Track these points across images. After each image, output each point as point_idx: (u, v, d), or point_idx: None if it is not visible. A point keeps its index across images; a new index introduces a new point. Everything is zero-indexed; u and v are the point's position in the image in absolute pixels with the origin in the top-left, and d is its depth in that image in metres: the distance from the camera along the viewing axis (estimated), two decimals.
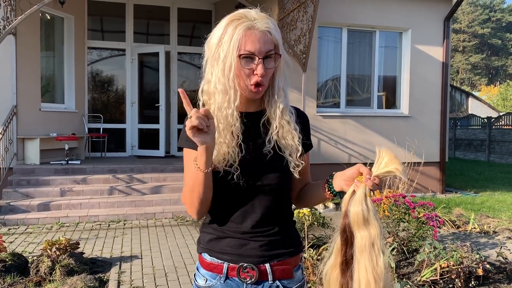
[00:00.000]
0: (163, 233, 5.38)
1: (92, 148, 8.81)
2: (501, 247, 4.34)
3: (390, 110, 8.67)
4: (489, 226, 5.63)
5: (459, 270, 3.50)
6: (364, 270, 1.13)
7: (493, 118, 17.48)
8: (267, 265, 1.27)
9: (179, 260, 4.36)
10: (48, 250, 3.87)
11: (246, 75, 1.21)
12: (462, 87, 39.25)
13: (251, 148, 1.28)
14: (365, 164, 1.15)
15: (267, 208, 1.28)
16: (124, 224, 5.83)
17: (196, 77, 9.72)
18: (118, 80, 9.40)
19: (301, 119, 1.36)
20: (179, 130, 9.14)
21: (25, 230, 5.50)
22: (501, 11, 53.38)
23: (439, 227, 5.12)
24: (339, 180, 1.24)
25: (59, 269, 3.67)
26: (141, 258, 4.40)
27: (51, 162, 7.32)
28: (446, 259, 3.55)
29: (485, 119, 17.32)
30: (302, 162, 1.30)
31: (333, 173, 1.29)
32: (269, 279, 1.27)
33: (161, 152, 8.90)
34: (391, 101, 8.77)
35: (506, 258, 4.08)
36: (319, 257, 3.85)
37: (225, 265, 1.27)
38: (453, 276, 3.50)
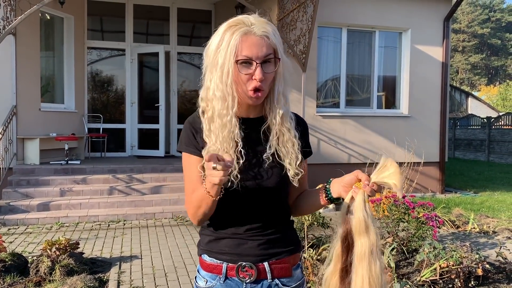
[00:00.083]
0: (163, 233, 5.38)
1: (92, 148, 8.81)
2: (501, 247, 4.35)
3: (390, 110, 8.67)
4: (489, 226, 5.63)
5: (459, 270, 3.50)
6: (361, 279, 1.14)
7: (493, 118, 17.48)
8: (266, 264, 1.28)
9: (179, 260, 4.36)
10: (48, 250, 3.88)
11: (244, 81, 1.21)
12: (461, 87, 39.26)
13: (251, 155, 1.28)
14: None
15: (265, 213, 1.29)
16: (124, 224, 5.83)
17: (196, 77, 9.72)
18: (118, 80, 9.40)
19: (301, 127, 1.36)
20: (179, 130, 9.16)
21: (25, 230, 5.50)
22: (501, 11, 53.39)
23: (439, 227, 5.12)
24: (337, 186, 1.25)
25: (59, 269, 3.67)
26: (141, 258, 4.40)
27: (50, 162, 7.32)
28: (446, 259, 3.55)
29: (485, 119, 17.33)
30: (302, 170, 1.31)
31: (330, 179, 1.29)
32: (268, 278, 1.28)
33: (160, 152, 8.91)
34: (390, 101, 8.77)
35: (505, 258, 4.08)
36: (318, 257, 3.86)
37: (224, 265, 1.28)
38: (452, 276, 3.51)
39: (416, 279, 3.60)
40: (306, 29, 6.64)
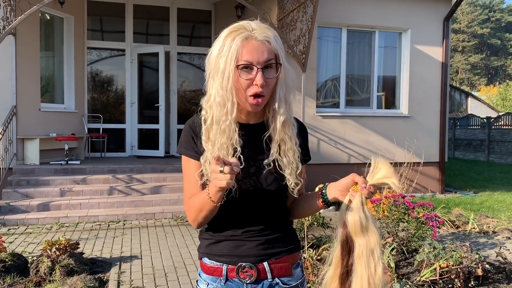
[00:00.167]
0: (162, 233, 5.38)
1: (91, 148, 8.81)
2: (501, 247, 4.35)
3: (390, 110, 8.68)
4: (489, 226, 5.64)
5: (459, 270, 3.50)
6: (360, 278, 1.14)
7: (493, 118, 17.49)
8: (265, 264, 1.28)
9: (179, 260, 4.36)
10: (48, 250, 3.88)
11: (245, 87, 1.20)
12: (461, 87, 39.27)
13: (250, 162, 1.27)
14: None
15: (264, 217, 1.30)
16: (124, 224, 5.83)
17: (196, 77, 9.73)
18: (118, 80, 9.39)
19: (302, 133, 1.36)
20: (179, 130, 9.17)
21: (25, 230, 5.50)
22: (501, 11, 53.41)
23: (439, 227, 5.12)
24: (333, 190, 1.24)
25: (59, 269, 3.67)
26: (141, 258, 4.41)
27: (50, 162, 7.32)
28: (446, 259, 3.55)
29: (485, 119, 17.33)
30: (301, 180, 1.31)
31: (326, 183, 1.29)
32: (268, 277, 1.28)
33: (160, 152, 8.91)
34: (390, 101, 8.77)
35: (505, 258, 4.09)
36: (319, 257, 3.86)
37: (224, 267, 1.28)
38: (452, 276, 3.51)
39: (416, 279, 3.61)
40: (306, 29, 6.64)
